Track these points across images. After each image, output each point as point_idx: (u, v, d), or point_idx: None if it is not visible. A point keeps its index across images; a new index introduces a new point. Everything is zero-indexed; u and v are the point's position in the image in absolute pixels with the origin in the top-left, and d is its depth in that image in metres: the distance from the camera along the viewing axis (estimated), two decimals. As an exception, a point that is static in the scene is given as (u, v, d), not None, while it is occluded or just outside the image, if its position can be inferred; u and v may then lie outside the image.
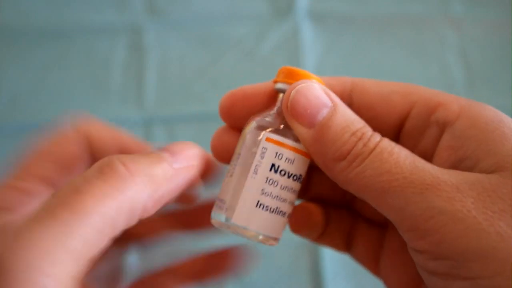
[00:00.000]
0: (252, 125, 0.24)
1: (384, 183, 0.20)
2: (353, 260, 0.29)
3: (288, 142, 0.23)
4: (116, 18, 0.55)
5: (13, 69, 0.53)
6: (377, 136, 0.21)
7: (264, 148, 0.23)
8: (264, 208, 0.23)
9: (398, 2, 0.57)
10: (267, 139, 0.23)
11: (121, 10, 0.56)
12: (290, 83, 0.23)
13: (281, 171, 0.23)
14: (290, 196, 0.23)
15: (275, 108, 0.24)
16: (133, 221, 0.21)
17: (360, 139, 0.21)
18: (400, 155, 0.21)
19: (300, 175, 0.24)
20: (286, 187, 0.23)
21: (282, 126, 0.23)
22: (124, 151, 0.26)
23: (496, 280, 0.18)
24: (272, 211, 0.23)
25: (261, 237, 0.23)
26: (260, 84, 0.26)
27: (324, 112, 0.22)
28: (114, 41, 0.54)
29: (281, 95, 0.24)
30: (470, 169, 0.21)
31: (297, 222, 0.27)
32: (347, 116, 0.22)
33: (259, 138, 0.23)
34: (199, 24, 0.56)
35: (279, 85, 0.24)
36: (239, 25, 0.55)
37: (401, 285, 0.26)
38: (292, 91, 0.23)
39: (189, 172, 0.23)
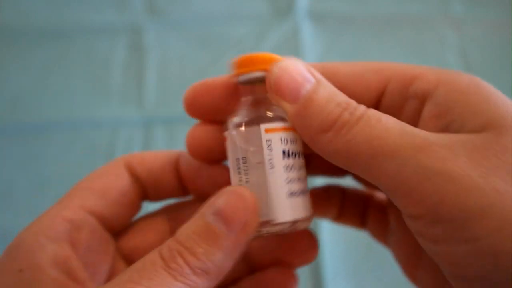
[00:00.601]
0: (234, 123, 0.23)
1: (375, 149, 0.20)
2: (370, 236, 0.29)
3: (281, 124, 0.23)
4: (116, 18, 0.55)
5: (13, 69, 0.53)
6: (362, 106, 0.21)
7: (268, 140, 0.22)
8: (294, 194, 0.23)
9: (398, 2, 0.57)
10: (267, 130, 0.23)
11: (121, 10, 0.56)
12: (262, 69, 0.23)
13: (291, 153, 0.23)
14: (304, 172, 0.24)
15: (250, 100, 0.24)
16: None
17: (345, 109, 0.21)
18: (388, 122, 0.20)
19: (301, 149, 0.24)
20: (299, 166, 0.23)
21: (267, 113, 0.23)
22: (167, 177, 0.27)
23: (494, 237, 0.17)
24: (300, 194, 0.23)
25: (299, 223, 0.23)
26: (222, 76, 0.25)
27: (307, 86, 0.22)
28: (114, 41, 0.54)
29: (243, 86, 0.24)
30: (457, 131, 0.20)
31: (315, 205, 0.28)
32: (330, 90, 0.22)
33: (258, 133, 0.23)
34: (199, 24, 0.56)
35: (250, 76, 0.23)
36: (239, 25, 0.55)
37: (406, 257, 0.26)
38: (275, 69, 0.22)
39: (247, 233, 0.21)
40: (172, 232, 0.25)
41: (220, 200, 0.21)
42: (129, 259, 0.26)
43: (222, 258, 0.21)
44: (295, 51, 0.53)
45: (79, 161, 0.47)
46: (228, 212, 0.21)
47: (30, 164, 0.47)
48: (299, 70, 0.22)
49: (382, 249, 0.29)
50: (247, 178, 0.23)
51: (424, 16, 0.56)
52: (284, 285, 0.27)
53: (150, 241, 0.27)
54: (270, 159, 0.22)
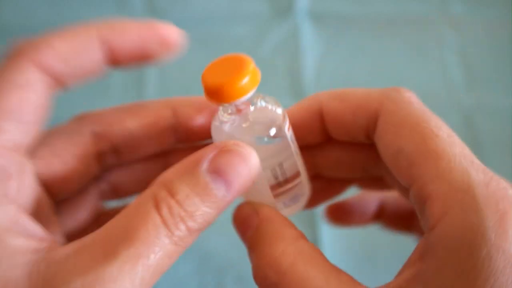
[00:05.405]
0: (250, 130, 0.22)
1: None
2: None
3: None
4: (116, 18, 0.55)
5: (13, 69, 0.53)
6: None
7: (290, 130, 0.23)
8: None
9: (398, 2, 0.57)
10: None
11: (121, 10, 0.56)
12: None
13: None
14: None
15: (234, 110, 0.24)
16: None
17: None
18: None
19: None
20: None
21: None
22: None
23: None
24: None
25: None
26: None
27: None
28: (114, 41, 0.54)
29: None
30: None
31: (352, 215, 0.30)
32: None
33: (281, 129, 0.22)
34: (199, 24, 0.56)
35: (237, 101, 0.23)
36: (239, 25, 0.55)
37: None
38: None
39: (241, 191, 0.21)
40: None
41: (222, 160, 0.20)
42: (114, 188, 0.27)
43: (215, 216, 0.20)
44: (295, 51, 0.53)
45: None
46: (231, 176, 0.20)
47: (30, 164, 0.47)
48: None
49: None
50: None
51: (424, 16, 0.56)
52: None
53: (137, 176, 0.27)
54: (294, 147, 0.24)
